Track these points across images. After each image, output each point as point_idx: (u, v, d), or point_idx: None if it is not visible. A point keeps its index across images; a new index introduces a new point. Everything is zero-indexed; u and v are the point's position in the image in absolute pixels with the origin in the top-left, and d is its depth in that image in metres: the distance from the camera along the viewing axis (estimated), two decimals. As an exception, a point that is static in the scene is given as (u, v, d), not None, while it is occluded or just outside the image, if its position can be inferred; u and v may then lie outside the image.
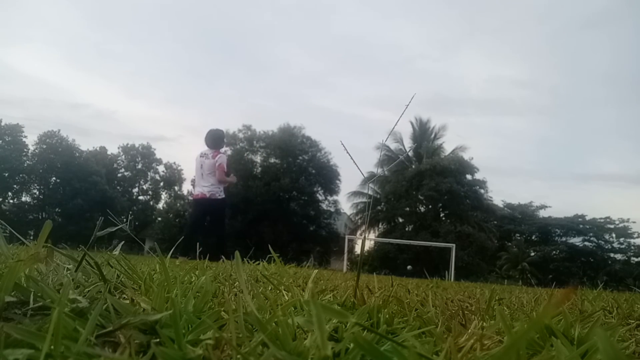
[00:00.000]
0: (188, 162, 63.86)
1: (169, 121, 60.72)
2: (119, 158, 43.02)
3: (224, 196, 7.31)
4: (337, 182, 34.42)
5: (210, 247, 6.99)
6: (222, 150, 7.56)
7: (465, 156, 32.78)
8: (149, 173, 43.71)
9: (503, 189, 66.13)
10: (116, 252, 1.28)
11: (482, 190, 32.68)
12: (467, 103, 54.06)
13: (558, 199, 56.77)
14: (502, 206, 36.79)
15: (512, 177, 55.55)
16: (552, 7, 54.10)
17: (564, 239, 36.52)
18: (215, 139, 7.47)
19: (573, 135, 57.38)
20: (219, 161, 7.23)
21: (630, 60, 55.41)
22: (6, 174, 34.27)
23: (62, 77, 57.56)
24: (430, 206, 32.55)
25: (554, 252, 35.11)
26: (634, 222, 35.15)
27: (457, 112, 53.24)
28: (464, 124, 52.98)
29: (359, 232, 30.60)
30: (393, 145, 34.40)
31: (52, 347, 0.42)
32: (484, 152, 55.57)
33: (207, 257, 5.52)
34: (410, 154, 34.34)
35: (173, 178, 43.44)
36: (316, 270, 1.31)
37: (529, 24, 55.35)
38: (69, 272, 0.91)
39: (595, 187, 53.99)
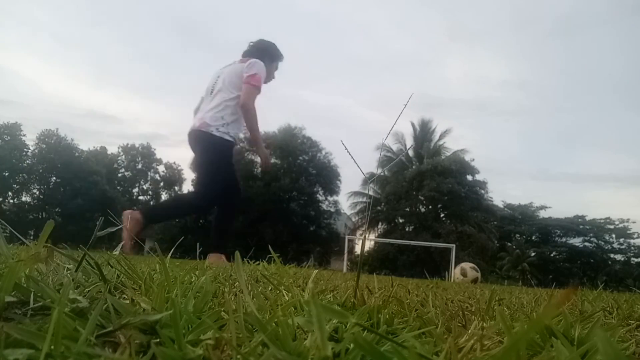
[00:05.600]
0: (188, 163, 63.88)
1: (170, 121, 60.71)
2: (119, 158, 43.03)
3: (229, 137, 4.18)
4: (337, 182, 34.40)
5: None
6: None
7: (467, 157, 32.80)
8: (149, 173, 43.72)
9: (502, 190, 66.15)
10: (116, 252, 1.28)
11: (482, 191, 32.68)
12: (460, 104, 54.08)
13: (558, 200, 56.78)
14: (502, 207, 36.78)
15: (510, 177, 55.56)
16: (538, 9, 54.12)
17: (564, 239, 36.51)
18: (259, 49, 4.47)
19: (570, 136, 57.41)
20: (250, 68, 4.16)
21: (619, 63, 55.52)
22: (6, 174, 34.26)
23: (58, 77, 57.55)
24: (430, 207, 32.52)
25: (554, 252, 35.09)
26: (634, 222, 35.18)
27: (452, 114, 53.29)
28: (459, 125, 53.01)
29: (359, 233, 30.59)
30: (395, 146, 34.44)
31: (52, 347, 0.42)
32: (483, 153, 55.56)
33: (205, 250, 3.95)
34: (411, 154, 34.32)
35: (173, 178, 43.42)
36: (316, 271, 1.31)
37: (516, 26, 55.45)
38: (69, 272, 0.91)
39: (595, 188, 54.01)
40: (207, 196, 4.18)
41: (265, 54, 4.47)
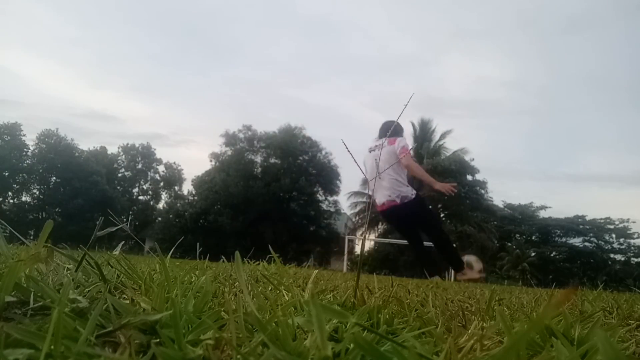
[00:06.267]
0: (188, 162, 63.87)
1: (170, 121, 60.71)
2: (119, 158, 43.04)
3: (411, 194, 5.71)
4: (337, 182, 34.40)
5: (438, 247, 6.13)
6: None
7: (467, 157, 32.78)
8: (149, 173, 43.74)
9: (502, 190, 66.17)
10: (116, 252, 1.28)
11: (482, 191, 32.68)
12: (460, 104, 54.11)
13: (558, 200, 56.78)
14: (502, 207, 36.76)
15: (511, 177, 55.58)
16: (539, 9, 54.05)
17: (564, 239, 36.48)
18: (392, 129, 5.92)
19: (570, 136, 57.42)
20: (399, 145, 5.70)
21: (619, 63, 55.54)
22: (6, 174, 34.25)
23: (57, 77, 57.56)
24: (430, 206, 32.50)
25: (554, 252, 35.08)
26: (634, 222, 35.15)
27: (452, 114, 53.32)
28: (459, 125, 53.03)
29: (359, 233, 30.58)
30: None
31: (52, 347, 0.42)
32: (483, 153, 55.61)
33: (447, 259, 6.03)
34: (411, 154, 34.27)
35: (173, 178, 43.44)
36: (316, 271, 1.31)
37: (516, 27, 55.44)
38: (69, 272, 0.91)
39: (595, 188, 53.99)
40: (440, 227, 6.36)
41: (395, 131, 5.90)
